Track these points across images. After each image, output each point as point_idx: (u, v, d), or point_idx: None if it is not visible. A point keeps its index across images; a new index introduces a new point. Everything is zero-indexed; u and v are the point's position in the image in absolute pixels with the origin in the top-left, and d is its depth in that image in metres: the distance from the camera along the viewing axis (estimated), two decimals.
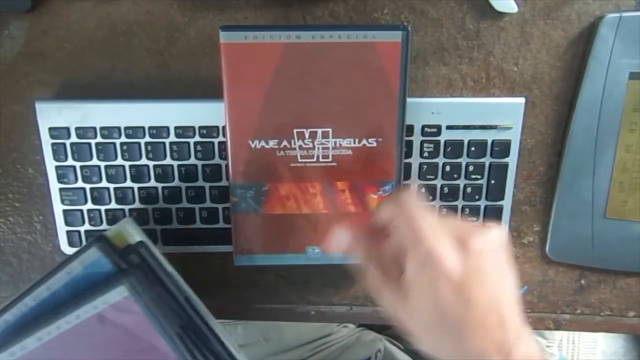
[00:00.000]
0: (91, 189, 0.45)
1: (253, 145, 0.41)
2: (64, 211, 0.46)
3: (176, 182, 0.45)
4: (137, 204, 0.46)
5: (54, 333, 0.37)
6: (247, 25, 0.43)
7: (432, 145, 0.45)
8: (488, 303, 0.31)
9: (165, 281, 0.40)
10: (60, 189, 0.45)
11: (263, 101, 0.40)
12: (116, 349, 0.38)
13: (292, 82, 0.40)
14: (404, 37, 0.39)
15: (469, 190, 0.46)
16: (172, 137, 0.44)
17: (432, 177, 0.45)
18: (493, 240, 0.31)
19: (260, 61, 0.39)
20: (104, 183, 0.45)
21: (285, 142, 0.41)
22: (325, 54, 0.39)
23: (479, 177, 0.45)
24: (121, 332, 0.37)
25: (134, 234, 0.40)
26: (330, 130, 0.41)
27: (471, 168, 0.45)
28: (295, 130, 0.41)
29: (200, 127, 0.44)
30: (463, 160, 0.45)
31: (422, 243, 0.30)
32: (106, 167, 0.45)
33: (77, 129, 0.44)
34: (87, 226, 0.46)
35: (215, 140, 0.44)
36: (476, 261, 0.31)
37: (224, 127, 0.43)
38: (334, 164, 0.42)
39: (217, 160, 0.45)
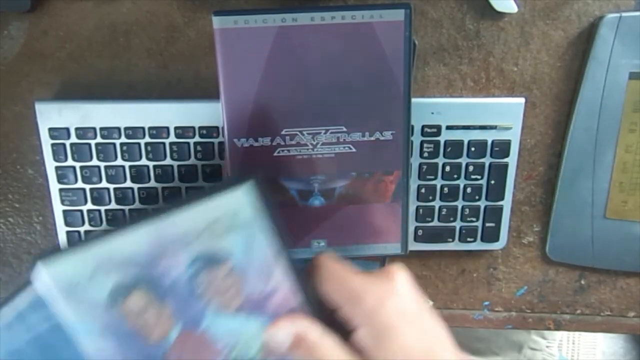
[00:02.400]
0: (91, 189, 0.45)
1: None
2: (64, 211, 0.46)
3: (176, 183, 0.45)
4: (137, 204, 0.46)
5: None
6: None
7: (432, 146, 0.45)
8: (439, 330, 0.30)
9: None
10: (60, 190, 0.45)
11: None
12: None
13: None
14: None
15: (469, 190, 0.46)
16: (172, 138, 0.44)
17: (432, 177, 0.45)
18: (402, 278, 0.30)
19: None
20: (104, 183, 0.45)
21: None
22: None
23: (479, 177, 0.45)
24: None
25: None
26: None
27: (471, 168, 0.45)
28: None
29: (200, 128, 0.44)
30: (463, 160, 0.45)
31: (361, 300, 0.29)
32: (106, 167, 0.45)
33: (77, 129, 0.44)
34: (87, 226, 0.46)
35: (215, 141, 0.44)
36: (408, 295, 0.30)
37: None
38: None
39: (217, 160, 0.45)
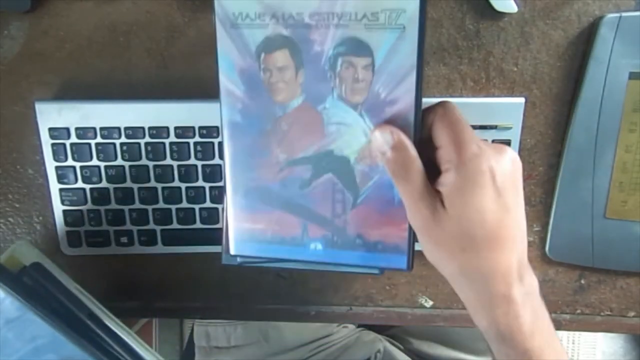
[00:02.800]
0: (91, 189, 0.45)
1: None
2: (64, 211, 0.46)
3: (176, 182, 0.45)
4: (137, 204, 0.46)
5: None
6: None
7: None
8: (520, 215, 0.31)
9: (64, 301, 0.39)
10: (60, 190, 0.45)
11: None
12: None
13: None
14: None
15: None
16: (172, 138, 0.44)
17: None
18: (515, 159, 0.32)
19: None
20: (104, 183, 0.45)
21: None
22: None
23: None
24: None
25: (29, 256, 0.40)
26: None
27: None
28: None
29: (200, 127, 0.44)
30: None
31: (466, 146, 0.30)
32: (106, 167, 0.45)
33: (77, 129, 0.44)
34: (87, 226, 0.46)
35: (215, 141, 0.44)
36: (511, 169, 0.31)
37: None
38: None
39: (217, 160, 0.45)
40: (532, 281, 0.32)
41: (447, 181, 0.30)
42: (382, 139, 0.31)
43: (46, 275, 0.39)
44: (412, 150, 0.31)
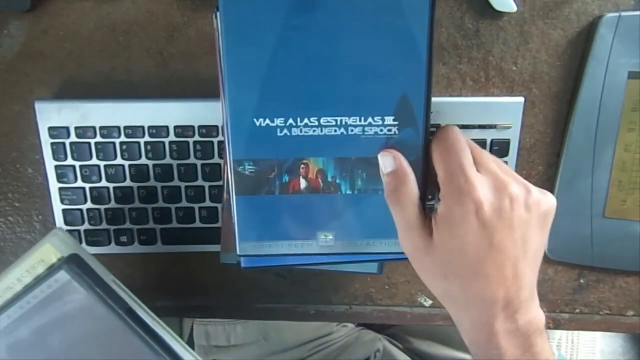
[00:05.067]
0: (91, 188, 0.45)
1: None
2: (64, 211, 0.46)
3: (176, 182, 0.45)
4: (137, 204, 0.46)
5: None
6: None
7: None
8: (509, 252, 0.31)
9: (103, 295, 0.38)
10: (60, 189, 0.45)
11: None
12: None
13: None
14: None
15: None
16: (172, 137, 0.44)
17: None
18: (537, 201, 0.31)
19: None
20: (104, 183, 0.45)
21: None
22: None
23: None
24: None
25: (65, 247, 0.39)
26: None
27: None
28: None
29: (200, 127, 0.44)
30: None
31: (454, 177, 0.31)
32: (106, 166, 0.45)
33: (76, 128, 0.44)
34: (87, 226, 0.46)
35: (215, 140, 0.44)
36: (510, 209, 0.30)
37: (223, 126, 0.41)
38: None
39: (217, 159, 0.45)
40: (530, 320, 0.31)
41: (438, 210, 0.31)
42: (383, 163, 0.33)
43: (85, 268, 0.38)
44: (410, 181, 0.32)
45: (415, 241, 0.33)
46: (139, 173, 0.45)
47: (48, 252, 0.38)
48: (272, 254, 0.37)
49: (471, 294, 0.31)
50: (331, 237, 0.37)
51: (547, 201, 0.32)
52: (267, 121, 0.35)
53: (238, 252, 0.37)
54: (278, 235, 0.37)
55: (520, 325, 0.31)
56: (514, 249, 0.31)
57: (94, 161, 0.45)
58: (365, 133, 0.35)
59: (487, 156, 0.33)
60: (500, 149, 0.45)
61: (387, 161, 0.33)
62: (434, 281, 0.33)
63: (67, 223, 0.46)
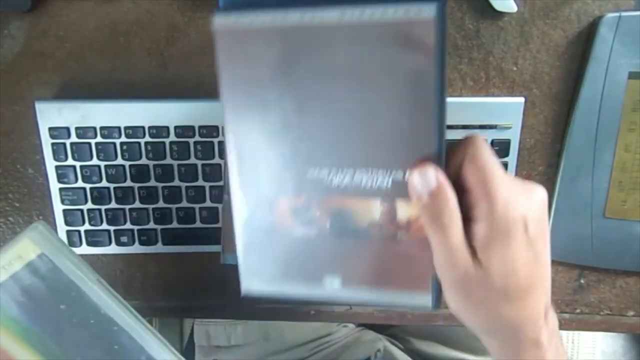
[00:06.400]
0: (91, 188, 0.45)
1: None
2: (64, 211, 0.46)
3: (176, 182, 0.45)
4: (137, 204, 0.46)
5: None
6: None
7: None
8: (547, 261, 0.30)
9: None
10: (60, 189, 0.45)
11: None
12: None
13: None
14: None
15: None
16: (172, 137, 0.44)
17: None
18: (543, 200, 0.30)
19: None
20: (104, 183, 0.45)
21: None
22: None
23: None
24: None
25: (43, 242, 0.36)
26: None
27: None
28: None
29: (200, 127, 0.44)
30: None
31: (497, 194, 0.27)
32: (106, 166, 0.45)
33: (77, 128, 0.44)
34: (87, 226, 0.46)
35: (215, 140, 0.44)
36: (542, 216, 0.29)
37: (223, 127, 0.39)
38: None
39: (217, 159, 0.45)
40: (553, 317, 0.32)
41: (480, 233, 0.28)
42: (420, 181, 0.28)
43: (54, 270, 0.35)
44: (453, 200, 0.28)
45: (462, 270, 0.28)
46: (139, 173, 0.45)
47: (26, 247, 0.34)
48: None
49: (521, 314, 0.30)
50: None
51: (545, 194, 0.31)
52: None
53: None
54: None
55: (551, 328, 0.31)
56: (548, 255, 0.30)
57: (94, 161, 0.45)
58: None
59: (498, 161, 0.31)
60: (500, 149, 0.45)
61: (429, 178, 0.27)
62: (479, 309, 0.30)
63: (67, 223, 0.46)
